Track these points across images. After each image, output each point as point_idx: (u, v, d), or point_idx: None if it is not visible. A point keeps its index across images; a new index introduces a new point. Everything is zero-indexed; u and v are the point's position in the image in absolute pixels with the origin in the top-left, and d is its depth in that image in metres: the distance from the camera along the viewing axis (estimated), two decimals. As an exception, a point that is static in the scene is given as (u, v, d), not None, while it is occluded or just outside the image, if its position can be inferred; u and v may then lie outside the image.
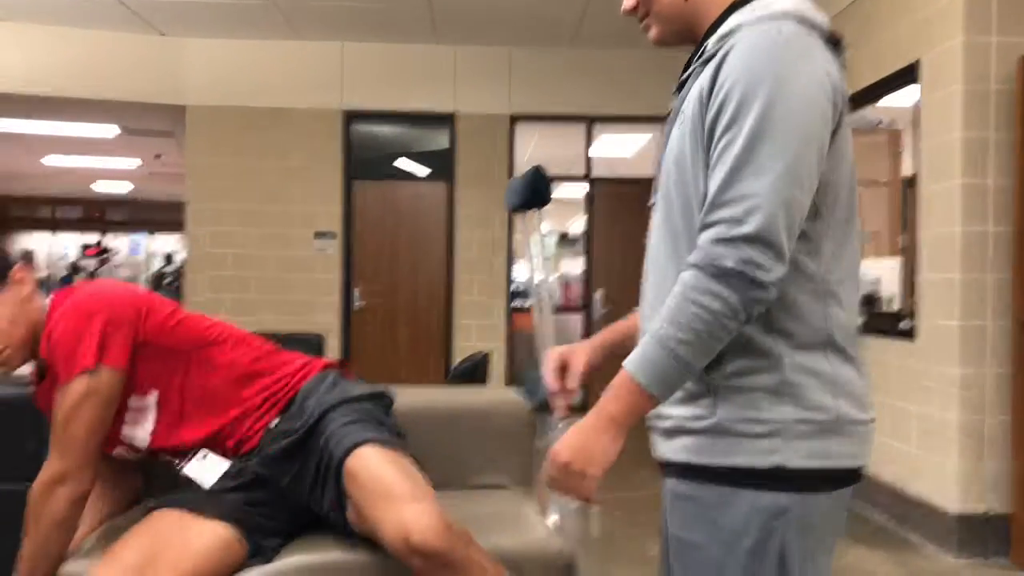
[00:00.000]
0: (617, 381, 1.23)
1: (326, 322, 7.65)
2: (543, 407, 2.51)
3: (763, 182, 1.15)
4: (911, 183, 4.57)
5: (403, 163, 8.21)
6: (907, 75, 4.50)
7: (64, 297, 2.01)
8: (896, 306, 5.64)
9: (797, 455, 1.23)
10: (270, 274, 7.94)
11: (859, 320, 1.32)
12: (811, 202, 1.22)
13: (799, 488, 1.24)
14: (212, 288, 7.93)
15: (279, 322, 7.45)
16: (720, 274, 1.15)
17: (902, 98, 4.77)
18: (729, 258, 1.15)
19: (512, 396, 2.59)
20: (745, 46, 1.22)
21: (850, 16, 5.12)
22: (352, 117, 8.02)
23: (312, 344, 4.70)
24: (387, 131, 8.34)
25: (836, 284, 1.27)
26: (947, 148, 4.10)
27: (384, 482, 1.79)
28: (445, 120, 8.03)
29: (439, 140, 8.06)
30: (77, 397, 1.90)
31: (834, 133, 1.24)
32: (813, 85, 1.20)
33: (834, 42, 1.29)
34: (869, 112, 5.83)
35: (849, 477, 1.30)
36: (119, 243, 19.77)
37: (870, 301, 5.87)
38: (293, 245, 7.95)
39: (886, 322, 5.26)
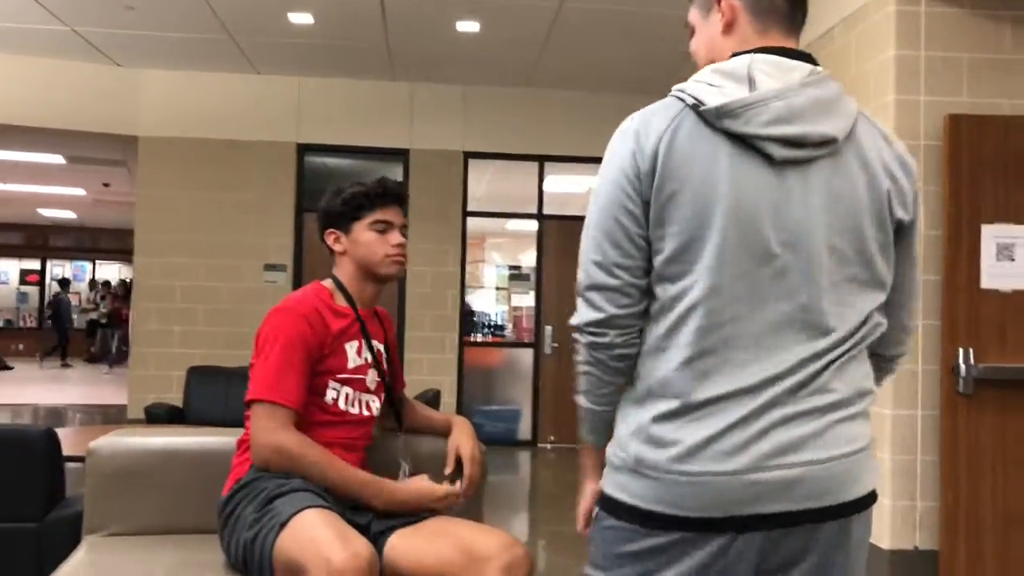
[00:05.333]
0: None
1: (276, 355, 7.62)
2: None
3: (583, 255, 1.44)
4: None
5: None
6: (844, 128, 4.72)
7: None
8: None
9: (608, 483, 1.45)
10: (219, 306, 7.92)
11: (699, 378, 1.35)
12: (646, 266, 1.40)
13: (616, 515, 1.42)
14: (159, 319, 7.88)
15: (227, 356, 7.42)
16: (576, 332, 1.46)
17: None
18: (574, 317, 1.46)
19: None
20: None
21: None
22: (306, 150, 8.09)
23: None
24: (341, 164, 8.41)
25: (664, 340, 1.38)
26: (880, 199, 4.31)
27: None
28: (399, 155, 8.13)
29: (393, 175, 8.04)
30: None
31: (654, 200, 1.35)
32: (614, 163, 1.41)
33: (712, 114, 1.33)
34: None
35: (661, 521, 1.35)
36: (62, 270, 19.42)
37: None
38: (243, 277, 7.95)
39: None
